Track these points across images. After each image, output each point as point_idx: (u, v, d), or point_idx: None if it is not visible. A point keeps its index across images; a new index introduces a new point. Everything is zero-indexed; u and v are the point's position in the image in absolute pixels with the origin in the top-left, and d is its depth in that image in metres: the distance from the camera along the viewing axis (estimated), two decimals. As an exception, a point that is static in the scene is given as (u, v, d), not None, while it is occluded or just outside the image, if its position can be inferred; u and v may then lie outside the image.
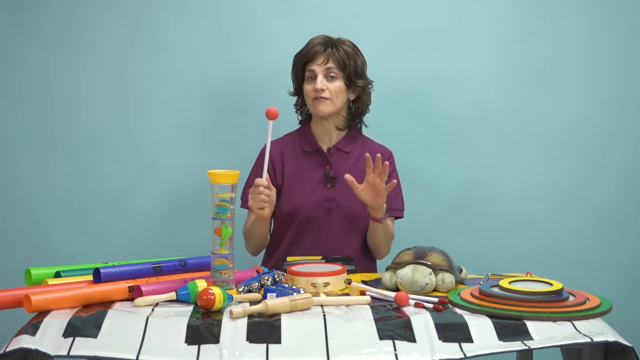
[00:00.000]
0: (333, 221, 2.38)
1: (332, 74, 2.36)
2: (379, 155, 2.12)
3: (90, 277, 1.88)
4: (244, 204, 2.39)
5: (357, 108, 2.45)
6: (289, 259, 2.20)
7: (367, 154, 2.12)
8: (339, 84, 2.37)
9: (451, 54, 2.82)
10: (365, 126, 2.51)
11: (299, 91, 2.47)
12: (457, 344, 1.58)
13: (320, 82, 2.35)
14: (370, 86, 2.45)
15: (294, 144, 2.47)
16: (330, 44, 2.38)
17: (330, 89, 2.36)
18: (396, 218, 2.47)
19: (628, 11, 2.83)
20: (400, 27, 2.81)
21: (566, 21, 2.83)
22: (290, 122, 2.53)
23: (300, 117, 2.52)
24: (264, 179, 2.13)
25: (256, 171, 2.40)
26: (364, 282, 2.03)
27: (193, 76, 2.79)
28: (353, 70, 2.38)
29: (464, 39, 2.82)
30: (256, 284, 1.89)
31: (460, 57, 2.83)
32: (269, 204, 2.17)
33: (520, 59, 2.83)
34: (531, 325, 1.63)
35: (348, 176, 2.15)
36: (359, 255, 2.41)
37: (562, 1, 2.83)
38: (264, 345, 1.55)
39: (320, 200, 2.38)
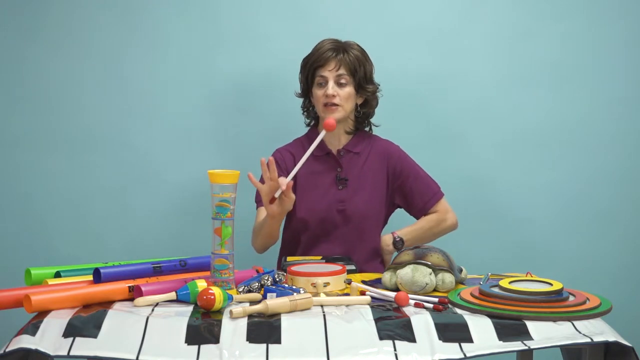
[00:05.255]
0: (347, 222, 2.39)
1: (343, 80, 2.37)
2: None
3: (90, 277, 1.88)
4: (259, 203, 2.41)
5: (365, 112, 2.46)
6: (289, 258, 2.20)
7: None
8: (349, 90, 2.38)
9: (451, 54, 2.82)
10: (376, 126, 2.53)
11: (306, 93, 2.47)
12: (457, 344, 1.58)
13: (332, 88, 2.35)
14: (378, 91, 2.46)
15: (304, 149, 2.46)
16: (341, 49, 2.38)
17: (340, 95, 2.36)
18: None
19: (628, 11, 2.84)
20: (401, 27, 2.81)
21: (566, 21, 2.83)
22: (298, 124, 2.55)
23: (306, 120, 2.53)
24: (287, 181, 2.11)
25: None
26: (364, 282, 2.03)
27: (193, 77, 2.79)
28: (363, 76, 2.39)
29: (464, 38, 2.82)
30: (256, 284, 1.89)
31: (460, 57, 2.83)
32: (285, 205, 2.15)
33: (520, 59, 2.84)
34: (531, 325, 1.63)
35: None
36: (372, 256, 2.41)
37: (562, 1, 2.83)
38: (264, 345, 1.55)
39: (333, 202, 2.39)
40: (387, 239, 2.43)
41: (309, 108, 2.50)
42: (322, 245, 2.40)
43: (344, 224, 2.40)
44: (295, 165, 2.43)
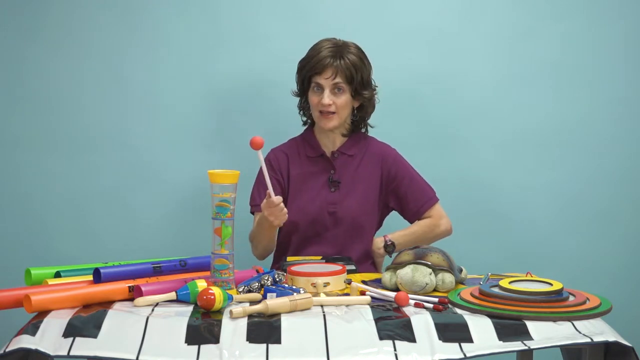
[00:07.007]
0: (338, 224, 2.38)
1: (339, 87, 2.34)
2: None
3: (90, 277, 1.88)
4: (255, 208, 2.40)
5: (361, 116, 2.45)
6: (289, 259, 2.20)
7: None
8: (345, 97, 2.35)
9: (451, 54, 2.82)
10: (371, 127, 2.52)
11: (303, 93, 2.46)
12: (457, 344, 1.58)
13: (328, 96, 2.33)
14: (375, 94, 2.44)
15: (298, 150, 2.47)
16: (338, 55, 2.33)
17: (336, 104, 2.34)
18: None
19: (628, 11, 2.83)
20: (401, 27, 2.81)
21: (566, 21, 2.83)
22: (297, 124, 2.55)
23: (303, 118, 2.52)
24: (277, 197, 2.13)
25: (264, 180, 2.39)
26: (364, 282, 2.03)
27: (193, 77, 2.79)
28: (359, 81, 2.36)
29: (464, 38, 2.82)
30: (256, 284, 1.89)
31: (460, 57, 2.82)
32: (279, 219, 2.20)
33: (520, 59, 2.83)
34: (531, 325, 1.63)
35: None
36: (363, 258, 2.41)
37: (562, 1, 2.83)
38: (264, 345, 1.55)
39: (324, 204, 2.39)
40: (378, 242, 2.42)
41: (305, 107, 2.49)
42: (312, 246, 2.39)
43: (334, 226, 2.39)
44: (289, 165, 2.43)
